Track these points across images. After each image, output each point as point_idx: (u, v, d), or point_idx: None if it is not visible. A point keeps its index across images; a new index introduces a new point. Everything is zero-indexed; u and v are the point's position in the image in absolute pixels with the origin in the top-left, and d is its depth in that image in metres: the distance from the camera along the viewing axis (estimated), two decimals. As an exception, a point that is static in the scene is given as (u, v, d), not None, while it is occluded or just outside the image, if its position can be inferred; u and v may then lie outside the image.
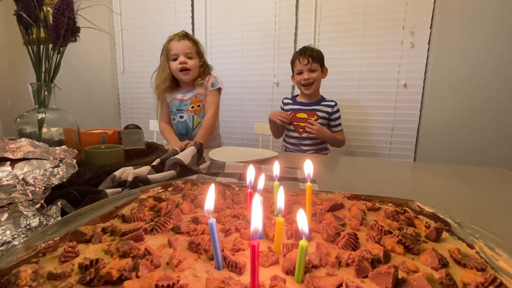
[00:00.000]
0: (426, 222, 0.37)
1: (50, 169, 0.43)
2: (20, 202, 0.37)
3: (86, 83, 2.51)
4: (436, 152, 1.73)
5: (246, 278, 0.26)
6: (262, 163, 0.81)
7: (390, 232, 0.33)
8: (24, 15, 0.63)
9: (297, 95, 1.53)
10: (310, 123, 1.34)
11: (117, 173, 0.55)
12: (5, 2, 2.44)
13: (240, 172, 0.71)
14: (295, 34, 1.90)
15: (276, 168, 0.43)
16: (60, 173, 0.44)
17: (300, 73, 1.40)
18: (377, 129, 1.82)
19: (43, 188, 0.40)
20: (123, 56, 2.39)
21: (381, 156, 1.84)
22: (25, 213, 0.36)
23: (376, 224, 0.35)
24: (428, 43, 1.66)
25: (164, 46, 1.30)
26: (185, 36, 1.27)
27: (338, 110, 1.45)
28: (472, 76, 1.62)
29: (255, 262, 0.23)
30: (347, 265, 0.28)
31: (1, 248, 0.31)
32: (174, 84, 1.34)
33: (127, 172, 0.57)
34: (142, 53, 2.32)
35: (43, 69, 0.66)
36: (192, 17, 2.13)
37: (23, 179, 0.39)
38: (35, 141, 0.48)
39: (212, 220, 0.26)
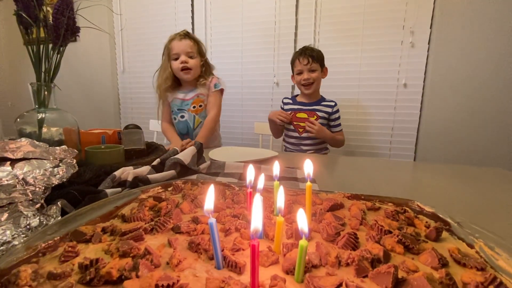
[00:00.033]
0: (426, 222, 0.37)
1: (50, 169, 0.43)
2: (20, 202, 0.37)
3: (86, 83, 2.51)
4: (436, 152, 1.73)
5: (246, 277, 0.26)
6: (262, 163, 0.81)
7: (390, 232, 0.33)
8: (24, 15, 0.63)
9: (297, 95, 1.53)
10: (311, 122, 1.34)
11: (117, 173, 0.55)
12: (5, 2, 2.44)
13: (240, 172, 0.71)
14: (295, 34, 1.90)
15: (276, 168, 0.43)
16: (60, 173, 0.44)
17: (300, 73, 1.40)
18: (377, 129, 1.82)
19: (43, 188, 0.40)
20: (123, 56, 2.39)
21: (381, 156, 1.84)
22: (25, 213, 0.36)
23: (376, 223, 0.35)
24: (428, 43, 1.66)
25: (166, 46, 1.30)
26: (186, 35, 1.27)
27: (338, 110, 1.45)
28: (472, 76, 1.62)
29: (255, 261, 0.23)
30: (347, 264, 0.28)
31: (1, 248, 0.31)
32: (176, 83, 1.34)
33: (127, 172, 0.57)
34: (142, 53, 2.32)
35: (43, 69, 0.66)
36: (192, 17, 2.13)
37: (23, 179, 0.39)
38: (35, 141, 0.48)
39: (212, 220, 0.26)
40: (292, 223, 0.37)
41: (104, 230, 0.34)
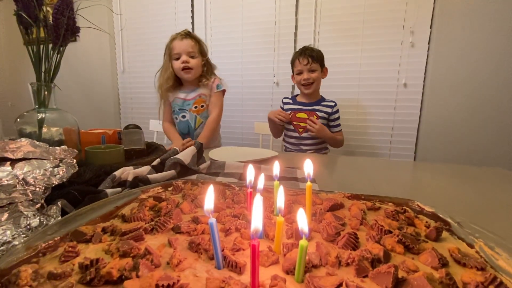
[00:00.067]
0: (426, 222, 0.37)
1: (50, 169, 0.43)
2: (20, 202, 0.37)
3: (86, 83, 2.51)
4: (436, 151, 1.74)
5: (246, 277, 0.26)
6: (262, 163, 0.81)
7: (390, 232, 0.33)
8: (24, 15, 0.63)
9: (297, 95, 1.53)
10: (312, 121, 1.34)
11: (117, 173, 0.55)
12: (5, 2, 2.44)
13: (240, 172, 0.71)
14: (295, 34, 1.90)
15: (276, 168, 0.43)
16: (60, 173, 0.44)
17: (300, 73, 1.40)
18: (377, 129, 1.82)
19: (43, 188, 0.40)
20: (123, 56, 2.39)
21: (381, 156, 1.84)
22: (25, 213, 0.36)
23: (376, 223, 0.35)
24: (428, 43, 1.66)
25: (167, 46, 1.29)
26: (187, 35, 1.26)
27: (337, 111, 1.45)
28: (472, 75, 1.62)
29: (255, 261, 0.23)
30: (347, 264, 0.28)
31: (1, 248, 0.31)
32: (177, 83, 1.34)
33: (127, 172, 0.57)
34: (142, 53, 2.32)
35: (43, 69, 0.66)
36: (192, 17, 2.13)
37: (23, 179, 0.39)
38: (35, 141, 0.48)
39: (212, 220, 0.26)
40: (292, 223, 0.37)
41: (104, 230, 0.34)
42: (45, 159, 0.45)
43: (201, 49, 1.29)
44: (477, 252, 0.30)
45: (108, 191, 0.48)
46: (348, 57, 1.81)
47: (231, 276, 0.25)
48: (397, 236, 0.31)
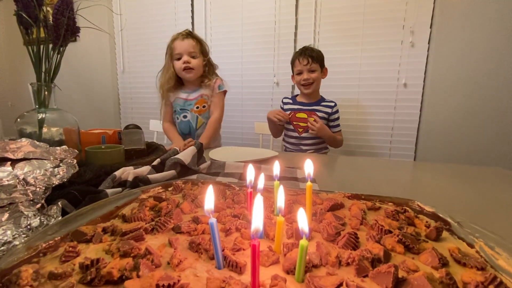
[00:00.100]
0: (426, 222, 0.37)
1: (51, 169, 0.43)
2: (21, 202, 0.37)
3: (86, 83, 2.51)
4: (436, 151, 1.74)
5: (246, 277, 0.26)
6: (262, 163, 0.81)
7: (390, 232, 0.33)
8: (24, 15, 0.63)
9: (297, 95, 1.53)
10: (313, 119, 1.34)
11: (117, 173, 0.56)
12: (5, 2, 2.44)
13: (240, 172, 0.71)
14: (295, 34, 1.90)
15: (276, 168, 0.43)
16: (61, 173, 0.44)
17: (300, 73, 1.40)
18: (377, 129, 1.82)
19: (44, 188, 0.40)
20: (123, 56, 2.39)
21: (381, 156, 1.84)
22: (25, 213, 0.36)
23: (376, 223, 0.35)
24: (428, 43, 1.66)
25: (168, 46, 1.29)
26: (188, 35, 1.26)
27: (337, 111, 1.45)
28: (472, 75, 1.62)
29: (256, 261, 0.23)
30: (347, 264, 0.28)
31: (2, 248, 0.31)
32: (179, 83, 1.33)
33: (127, 172, 0.57)
34: (142, 53, 2.32)
35: (43, 69, 0.66)
36: (192, 17, 2.13)
37: (23, 179, 0.39)
38: (35, 141, 0.48)
39: (213, 220, 0.26)
40: (292, 223, 0.37)
41: (104, 230, 0.34)
42: (45, 159, 0.45)
43: (202, 49, 1.29)
44: (477, 252, 0.30)
45: (109, 191, 0.48)
46: (348, 57, 1.80)
47: (232, 276, 0.25)
48: (397, 236, 0.31)
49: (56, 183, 0.42)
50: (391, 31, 1.71)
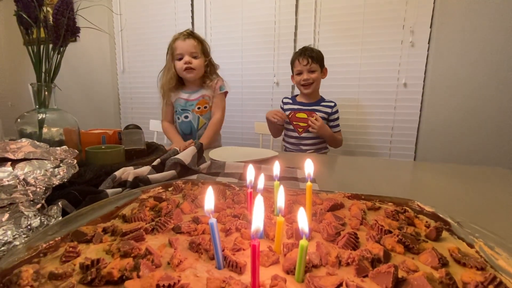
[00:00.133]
0: (426, 222, 0.37)
1: (51, 169, 0.43)
2: (21, 202, 0.37)
3: (86, 83, 2.51)
4: (436, 151, 1.74)
5: (246, 277, 0.26)
6: (262, 163, 0.81)
7: (390, 232, 0.33)
8: (24, 15, 0.63)
9: (297, 95, 1.53)
10: (314, 118, 1.34)
11: (117, 173, 0.56)
12: (5, 2, 2.44)
13: (240, 172, 0.71)
14: (295, 34, 1.90)
15: (276, 168, 0.43)
16: (61, 173, 0.44)
17: (300, 73, 1.40)
18: (377, 129, 1.82)
19: (44, 188, 0.40)
20: (123, 56, 2.40)
21: (381, 156, 1.84)
22: (26, 213, 0.36)
23: (376, 223, 0.35)
24: (428, 42, 1.66)
25: (169, 45, 1.28)
26: (190, 35, 1.25)
27: (337, 111, 1.45)
28: (472, 75, 1.62)
29: (256, 261, 0.23)
30: (347, 264, 0.28)
31: (2, 248, 0.31)
32: (180, 83, 1.33)
33: (127, 172, 0.57)
34: (142, 53, 2.32)
35: (43, 70, 0.66)
36: (192, 17, 2.13)
37: (24, 179, 0.39)
38: (35, 142, 0.48)
39: (213, 220, 0.26)
40: (292, 223, 0.37)
41: (105, 230, 0.34)
42: (45, 160, 0.45)
43: (204, 49, 1.28)
44: (477, 252, 0.30)
45: (109, 191, 0.48)
46: (348, 57, 1.81)
47: (232, 276, 0.25)
48: (397, 236, 0.31)
49: (57, 183, 0.42)
50: (391, 31, 1.71)
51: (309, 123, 1.36)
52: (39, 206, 0.38)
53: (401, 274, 0.26)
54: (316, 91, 1.44)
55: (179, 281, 0.24)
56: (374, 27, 1.73)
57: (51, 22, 0.65)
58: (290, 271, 0.27)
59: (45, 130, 0.65)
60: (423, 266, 0.28)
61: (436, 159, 1.73)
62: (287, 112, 1.48)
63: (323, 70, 1.43)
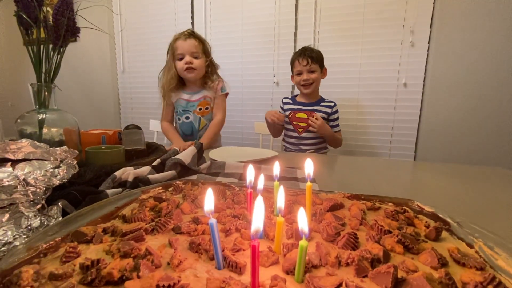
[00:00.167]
0: (426, 222, 0.37)
1: (51, 170, 0.43)
2: (21, 202, 0.37)
3: (86, 83, 2.51)
4: (436, 151, 1.74)
5: (246, 278, 0.26)
6: (262, 163, 0.81)
7: (390, 232, 0.33)
8: (24, 15, 0.63)
9: (297, 95, 1.53)
10: (314, 117, 1.34)
11: (117, 173, 0.56)
12: (5, 2, 2.44)
13: (240, 172, 0.71)
14: (295, 34, 1.90)
15: (276, 169, 0.43)
16: (61, 173, 0.44)
17: (300, 73, 1.40)
18: (377, 129, 1.82)
19: (44, 188, 0.40)
20: (123, 56, 2.40)
21: (381, 156, 1.84)
22: (26, 213, 0.36)
23: (376, 223, 0.35)
24: (428, 42, 1.66)
25: (170, 45, 1.27)
26: (191, 34, 1.24)
27: (337, 111, 1.45)
28: (472, 75, 1.62)
29: (256, 262, 0.23)
30: (347, 264, 0.28)
31: (3, 248, 0.31)
32: (181, 83, 1.32)
33: (127, 173, 0.57)
34: (142, 53, 2.32)
35: (43, 70, 0.66)
36: (192, 17, 2.13)
37: (24, 179, 0.39)
38: (35, 142, 0.49)
39: (213, 220, 0.26)
40: (292, 223, 0.37)
41: (105, 231, 0.34)
42: (45, 160, 0.45)
43: (204, 49, 1.27)
44: (476, 252, 0.30)
45: (109, 191, 0.49)
46: (348, 57, 1.81)
47: (232, 277, 0.25)
48: (397, 236, 0.31)
49: (57, 183, 0.42)
50: (391, 31, 1.71)
51: (309, 123, 1.36)
52: (39, 206, 0.38)
53: (400, 274, 0.26)
54: (316, 91, 1.45)
55: (179, 281, 0.24)
56: (374, 27, 1.73)
57: (51, 22, 0.65)
58: (289, 271, 0.27)
59: (45, 130, 0.65)
60: (422, 266, 0.28)
61: (436, 159, 1.73)
62: (287, 112, 1.48)
63: (322, 70, 1.43)
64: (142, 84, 2.35)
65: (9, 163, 0.41)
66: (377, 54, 1.75)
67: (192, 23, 2.14)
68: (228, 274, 0.26)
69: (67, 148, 0.50)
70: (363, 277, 0.26)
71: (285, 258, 0.28)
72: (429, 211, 0.41)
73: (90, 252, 0.30)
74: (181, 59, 1.24)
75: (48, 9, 0.68)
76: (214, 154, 0.91)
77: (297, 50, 1.47)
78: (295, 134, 1.46)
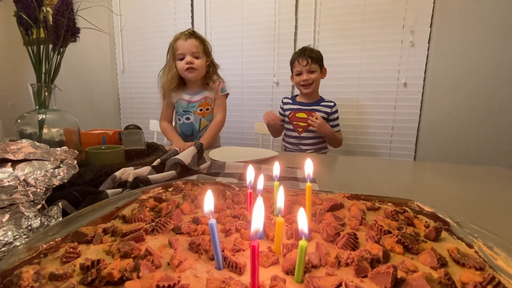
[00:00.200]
0: (426, 222, 0.37)
1: (51, 170, 0.43)
2: (21, 203, 0.37)
3: (86, 83, 2.51)
4: (436, 151, 1.74)
5: (246, 278, 0.26)
6: (262, 163, 0.81)
7: (390, 232, 0.33)
8: (24, 16, 0.63)
9: (297, 95, 1.53)
10: (314, 116, 1.34)
11: (117, 173, 0.56)
12: (5, 3, 2.44)
13: (240, 172, 0.71)
14: (295, 34, 1.90)
15: (276, 169, 0.43)
16: (61, 174, 0.44)
17: (299, 74, 1.40)
18: (377, 128, 1.82)
19: (44, 189, 0.40)
20: (123, 56, 2.40)
21: (381, 156, 1.84)
22: (26, 214, 0.36)
23: (376, 224, 0.35)
24: (428, 42, 1.66)
25: (171, 45, 1.27)
26: (191, 34, 1.24)
27: (336, 111, 1.45)
28: (472, 74, 1.62)
29: (255, 262, 0.23)
30: (347, 265, 0.28)
31: (3, 249, 0.31)
32: (181, 83, 1.32)
33: (127, 173, 0.57)
34: (142, 53, 2.32)
35: (43, 70, 0.66)
36: (192, 17, 2.13)
37: (24, 180, 0.39)
38: (36, 142, 0.49)
39: (213, 221, 0.26)
40: (292, 223, 0.37)
41: (105, 231, 0.34)
42: (46, 160, 0.45)
43: (205, 49, 1.27)
44: (476, 252, 0.31)
45: (109, 191, 0.49)
46: (347, 57, 1.81)
47: (231, 277, 0.26)
48: (397, 236, 0.32)
49: (57, 184, 0.43)
50: (391, 30, 1.71)
51: (309, 122, 1.36)
52: (39, 206, 0.38)
53: (400, 274, 0.26)
54: (315, 91, 1.45)
55: (179, 281, 0.24)
56: (374, 27, 1.73)
57: (51, 22, 0.65)
58: (289, 272, 0.27)
59: (45, 130, 0.65)
60: (422, 266, 0.28)
61: (436, 159, 1.73)
62: (287, 112, 1.48)
63: (322, 70, 1.43)
64: (142, 84, 2.35)
65: (9, 164, 0.41)
66: (377, 54, 1.75)
67: (192, 23, 2.14)
68: (228, 275, 0.26)
69: (67, 149, 0.50)
70: (363, 277, 0.26)
71: (285, 258, 0.28)
72: (429, 211, 0.41)
73: (90, 253, 0.30)
74: (181, 59, 1.23)
75: (48, 9, 0.68)
76: (214, 154, 0.91)
77: (297, 50, 1.47)
78: (295, 134, 1.46)
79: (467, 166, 0.89)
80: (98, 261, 0.26)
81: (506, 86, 1.57)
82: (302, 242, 0.24)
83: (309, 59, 1.36)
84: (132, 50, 2.36)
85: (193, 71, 1.23)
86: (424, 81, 1.70)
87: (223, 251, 0.28)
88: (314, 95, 1.46)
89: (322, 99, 1.47)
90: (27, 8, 0.63)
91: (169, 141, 1.34)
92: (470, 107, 1.65)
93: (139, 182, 0.55)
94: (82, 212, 0.38)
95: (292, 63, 1.45)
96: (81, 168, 0.53)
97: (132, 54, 2.37)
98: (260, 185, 0.37)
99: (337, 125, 1.46)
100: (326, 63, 1.44)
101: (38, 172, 0.41)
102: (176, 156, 0.66)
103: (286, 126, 1.50)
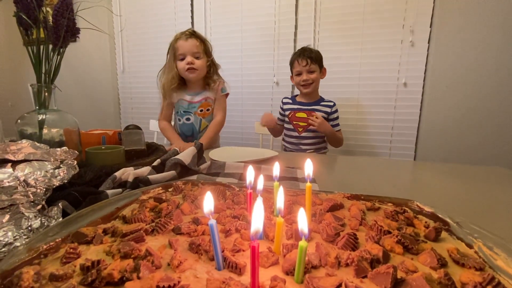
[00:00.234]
0: (426, 222, 0.37)
1: (51, 170, 0.43)
2: (22, 203, 0.37)
3: (86, 84, 2.51)
4: (436, 151, 1.74)
5: (246, 278, 0.26)
6: (262, 163, 0.81)
7: (390, 232, 0.33)
8: (23, 16, 0.63)
9: (297, 95, 1.53)
10: (314, 115, 1.34)
11: (117, 173, 0.56)
12: (5, 3, 2.44)
13: (240, 172, 0.71)
14: (295, 34, 1.90)
15: (276, 169, 0.43)
16: (61, 174, 0.44)
17: (299, 74, 1.40)
18: (377, 128, 1.82)
19: (44, 189, 0.40)
20: (123, 56, 2.40)
21: (381, 155, 1.84)
22: (26, 214, 0.36)
23: (376, 224, 0.35)
24: (428, 42, 1.66)
25: (171, 45, 1.26)
26: (192, 34, 1.23)
27: (336, 110, 1.45)
28: (472, 74, 1.62)
29: (255, 262, 0.23)
30: (347, 265, 0.28)
31: (3, 249, 0.31)
32: (182, 83, 1.31)
33: (127, 173, 0.57)
34: (142, 53, 2.32)
35: (43, 70, 0.66)
36: (192, 17, 2.13)
37: (24, 180, 0.39)
38: (36, 143, 0.49)
39: (213, 221, 0.26)
40: (292, 223, 0.37)
41: (105, 232, 0.34)
42: (46, 161, 0.45)
43: (206, 49, 1.26)
44: (476, 252, 0.31)
45: (109, 192, 0.49)
46: (347, 56, 1.81)
47: (231, 277, 0.26)
48: (396, 236, 0.32)
49: (57, 184, 0.43)
50: (391, 30, 1.71)
51: (309, 122, 1.36)
52: (39, 207, 0.38)
53: (400, 274, 0.26)
54: (315, 91, 1.45)
55: (179, 282, 0.24)
56: (374, 27, 1.73)
57: (51, 23, 0.65)
58: (289, 272, 0.27)
59: (45, 131, 0.65)
60: (422, 266, 0.28)
61: (436, 159, 1.73)
62: (287, 112, 1.48)
63: (322, 70, 1.43)
64: (142, 84, 2.35)
65: (10, 164, 0.41)
66: (377, 54, 1.75)
67: (192, 23, 2.14)
68: (228, 275, 0.26)
69: (67, 149, 0.50)
70: (363, 277, 0.26)
71: (285, 259, 0.28)
72: (429, 211, 0.41)
73: (91, 253, 0.30)
74: (182, 59, 1.23)
75: (48, 9, 0.68)
76: (214, 154, 0.91)
77: (296, 50, 1.47)
78: (295, 133, 1.46)
79: (467, 166, 0.89)
80: (98, 261, 0.26)
81: (506, 86, 1.57)
82: (302, 243, 0.24)
83: (308, 59, 1.36)
84: (132, 50, 2.36)
85: (194, 71, 1.23)
86: (424, 81, 1.70)
87: (223, 251, 0.28)
88: (314, 95, 1.46)
89: (322, 99, 1.47)
90: (27, 8, 0.63)
91: (168, 140, 1.33)
92: (470, 106, 1.65)
93: (139, 182, 0.55)
94: (82, 213, 0.38)
95: (291, 63, 1.45)
96: (81, 168, 0.53)
97: (132, 54, 2.37)
98: (260, 185, 0.37)
99: (337, 124, 1.46)
100: (326, 63, 1.44)
101: (38, 172, 0.41)
102: (176, 156, 0.66)
103: (286, 126, 1.50)
